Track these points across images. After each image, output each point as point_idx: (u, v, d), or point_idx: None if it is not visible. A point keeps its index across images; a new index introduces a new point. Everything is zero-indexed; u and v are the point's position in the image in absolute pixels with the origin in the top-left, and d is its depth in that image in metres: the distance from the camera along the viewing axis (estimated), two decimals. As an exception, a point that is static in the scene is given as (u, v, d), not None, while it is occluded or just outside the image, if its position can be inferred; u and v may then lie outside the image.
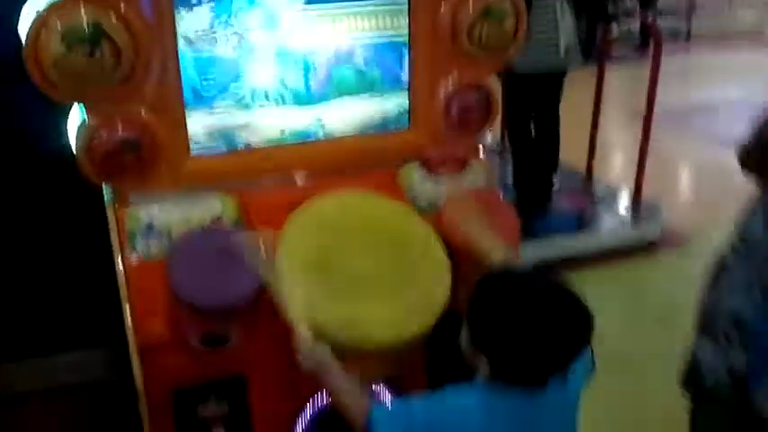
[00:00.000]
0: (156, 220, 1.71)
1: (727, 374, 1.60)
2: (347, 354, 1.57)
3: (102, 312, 2.43)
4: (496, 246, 1.59)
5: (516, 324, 1.16)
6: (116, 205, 1.73)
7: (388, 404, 1.36)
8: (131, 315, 1.64)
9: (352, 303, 1.60)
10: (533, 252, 3.24)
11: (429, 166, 1.96)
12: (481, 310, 1.22)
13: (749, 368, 1.57)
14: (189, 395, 1.71)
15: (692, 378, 1.69)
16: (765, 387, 1.55)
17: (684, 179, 5.21)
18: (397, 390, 1.96)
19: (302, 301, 1.53)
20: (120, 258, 1.70)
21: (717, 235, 1.71)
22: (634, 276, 3.56)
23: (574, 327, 1.17)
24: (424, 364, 1.94)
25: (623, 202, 4.09)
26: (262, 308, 1.65)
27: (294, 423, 1.88)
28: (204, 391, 1.72)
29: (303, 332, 1.45)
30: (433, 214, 1.86)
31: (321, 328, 1.53)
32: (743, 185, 1.64)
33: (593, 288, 1.20)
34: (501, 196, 2.07)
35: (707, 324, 1.66)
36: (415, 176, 1.95)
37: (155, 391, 1.69)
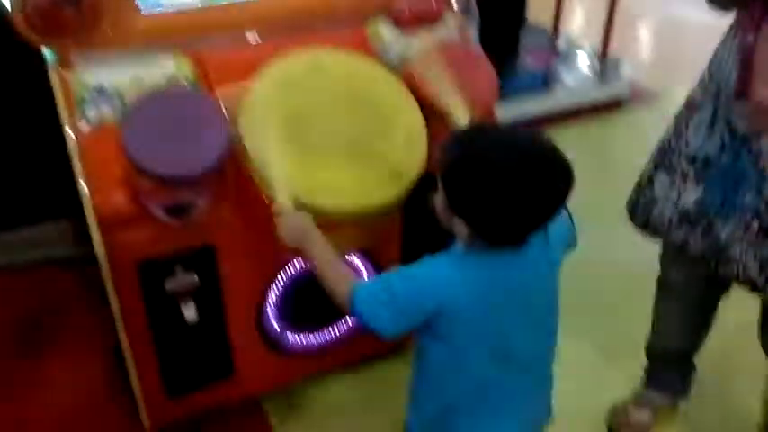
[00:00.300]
0: (105, 82, 1.56)
1: (676, 211, 1.62)
2: (318, 224, 1.52)
3: (57, 184, 2.32)
4: (461, 105, 1.50)
5: (496, 181, 1.08)
6: (59, 68, 1.57)
7: (366, 279, 1.29)
8: (87, 187, 1.53)
9: (323, 170, 1.51)
10: (500, 112, 3.15)
11: (399, 20, 1.83)
12: (456, 170, 1.13)
13: (705, 206, 1.57)
14: (155, 268, 1.64)
15: (640, 208, 1.71)
16: (729, 222, 1.55)
17: (653, 36, 5.09)
18: (372, 261, 1.93)
19: (275, 167, 1.44)
20: (69, 127, 1.57)
21: (686, 92, 1.65)
22: (603, 134, 3.53)
23: (554, 180, 1.10)
24: (399, 233, 1.90)
25: (591, 60, 3.98)
26: (228, 173, 1.56)
27: (266, 294, 1.84)
28: (171, 264, 1.65)
29: (282, 200, 1.36)
30: (404, 71, 1.74)
31: (297, 196, 1.46)
32: (714, 42, 1.58)
33: (561, 146, 1.14)
34: (479, 51, 1.95)
35: (664, 159, 1.65)
36: (384, 32, 1.82)
37: (119, 266, 1.61)
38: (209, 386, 1.90)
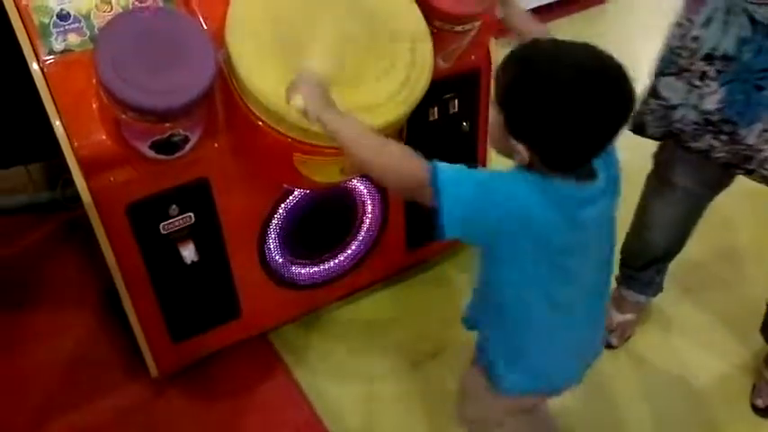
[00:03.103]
0: (67, 4, 1.39)
1: (699, 115, 1.51)
2: (320, 146, 1.40)
3: (25, 126, 2.15)
4: None
5: (560, 99, 0.99)
6: (14, -6, 1.39)
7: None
8: (64, 128, 1.38)
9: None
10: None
11: None
12: (517, 89, 1.03)
13: (728, 108, 1.47)
14: (146, 209, 1.52)
15: (654, 119, 1.60)
16: (756, 124, 1.45)
17: None
18: (374, 183, 1.82)
19: (271, 89, 1.31)
20: (33, 61, 1.40)
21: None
22: (589, 29, 3.40)
23: (619, 98, 1.02)
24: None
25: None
26: (217, 99, 1.41)
27: (267, 227, 1.73)
28: (163, 203, 1.53)
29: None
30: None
31: (295, 117, 1.33)
32: None
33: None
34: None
35: (671, 65, 1.53)
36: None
37: (107, 211, 1.48)
38: (216, 327, 1.81)
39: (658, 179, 1.77)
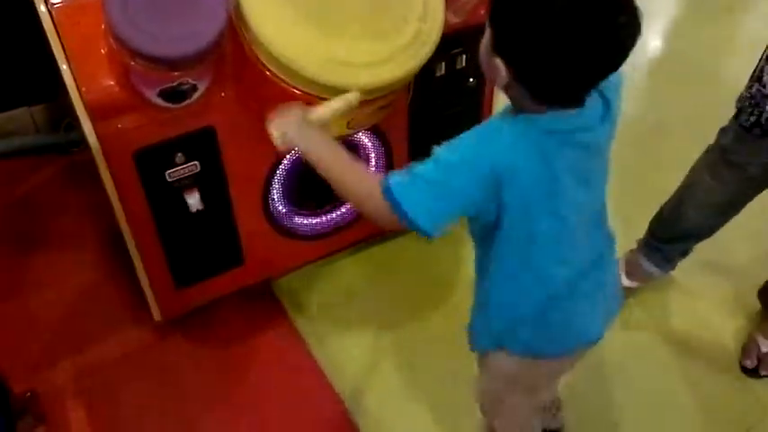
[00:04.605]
0: (77, -54, 1.37)
1: None
2: (332, 96, 1.40)
3: (29, 67, 2.14)
4: None
5: (554, 19, 0.91)
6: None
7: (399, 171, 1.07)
8: (71, 72, 1.37)
9: (336, 40, 1.36)
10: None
11: None
12: (509, 4, 0.96)
13: None
14: (153, 156, 1.52)
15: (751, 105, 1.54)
16: None
17: None
18: (381, 138, 1.82)
19: (281, 40, 1.30)
20: (43, 6, 1.39)
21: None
22: None
23: (620, 25, 0.93)
24: (406, 107, 1.79)
25: None
26: (226, 48, 1.40)
27: (271, 177, 1.74)
28: (170, 150, 1.53)
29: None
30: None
31: (303, 70, 1.34)
32: None
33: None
34: None
35: None
36: None
37: (114, 157, 1.48)
38: (219, 275, 1.83)
39: (718, 157, 1.68)
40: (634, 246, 1.98)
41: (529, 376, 1.30)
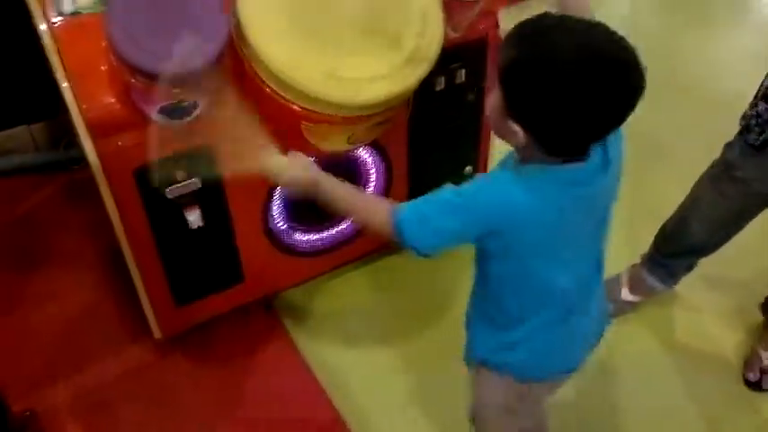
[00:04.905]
0: (77, -34, 1.38)
1: None
2: (331, 112, 1.40)
3: (29, 85, 2.15)
4: None
5: (565, 81, 0.94)
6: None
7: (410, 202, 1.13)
8: (72, 90, 1.38)
9: (334, 58, 1.37)
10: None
11: None
12: (520, 68, 0.98)
13: None
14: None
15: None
16: None
17: None
18: (381, 154, 1.82)
19: (281, 57, 1.30)
20: (41, 21, 1.40)
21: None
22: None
23: (627, 84, 0.96)
24: (406, 122, 1.79)
25: None
26: (227, 66, 1.41)
27: (271, 194, 1.74)
28: (169, 167, 1.53)
29: (270, 157, 1.25)
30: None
31: (302, 86, 1.35)
32: None
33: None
34: None
35: None
36: None
37: (114, 174, 1.48)
38: (219, 292, 1.82)
39: (722, 172, 1.69)
40: (635, 260, 1.98)
41: (512, 397, 1.33)
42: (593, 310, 1.28)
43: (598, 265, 1.25)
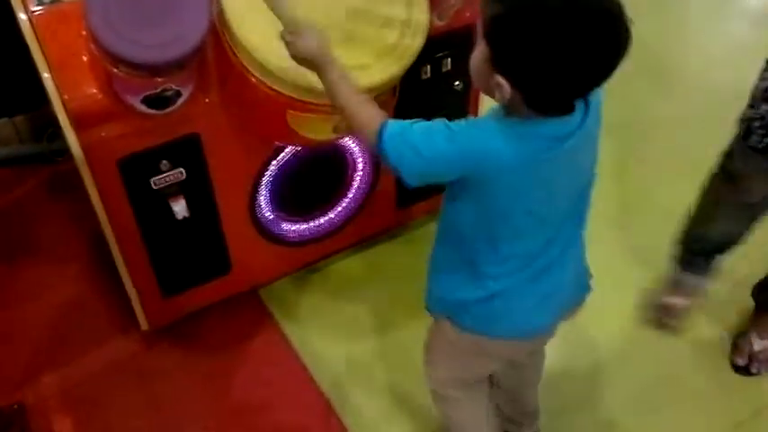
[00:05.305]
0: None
1: None
2: (315, 105, 1.40)
3: (9, 77, 2.12)
4: None
5: (551, 32, 0.94)
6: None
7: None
8: (54, 81, 1.36)
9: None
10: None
11: None
12: (506, 20, 0.97)
13: None
14: (138, 164, 1.51)
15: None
16: None
17: None
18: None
19: (265, 45, 1.29)
20: (20, 11, 1.38)
21: None
22: None
23: (614, 37, 0.96)
24: (393, 113, 1.78)
25: None
26: (209, 54, 1.40)
27: (258, 184, 1.73)
28: (154, 158, 1.52)
29: (291, 16, 1.21)
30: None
31: (286, 75, 1.34)
32: None
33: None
34: None
35: None
36: None
37: (98, 165, 1.47)
38: (206, 282, 1.82)
39: (732, 185, 1.68)
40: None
41: (467, 352, 1.34)
42: (569, 272, 1.26)
43: (578, 226, 1.24)
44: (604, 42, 0.96)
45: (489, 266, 1.19)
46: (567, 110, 1.05)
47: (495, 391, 1.59)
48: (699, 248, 1.89)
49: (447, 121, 1.08)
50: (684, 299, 1.94)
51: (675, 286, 1.95)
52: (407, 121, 1.11)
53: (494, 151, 1.04)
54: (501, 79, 1.00)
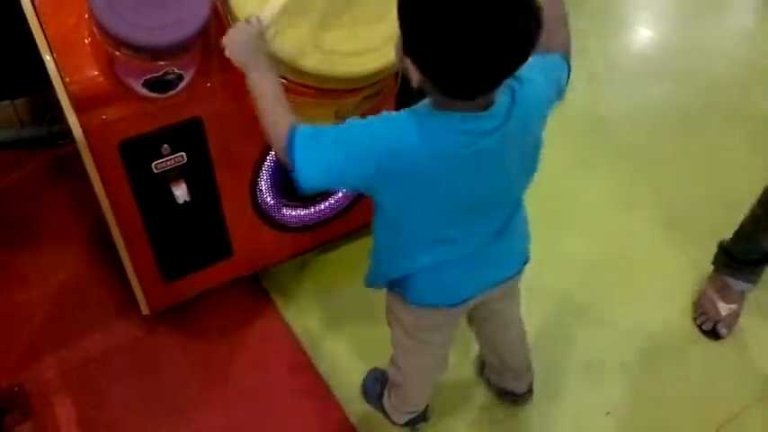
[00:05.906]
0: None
1: None
2: (318, 89, 1.39)
3: (11, 59, 2.12)
4: None
5: (448, 12, 0.93)
6: None
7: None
8: (55, 63, 1.36)
9: (324, 29, 1.36)
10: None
11: None
12: (410, 4, 0.98)
13: None
14: (139, 147, 1.50)
15: None
16: None
17: None
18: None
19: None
20: (24, -6, 1.38)
21: None
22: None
23: (515, 19, 0.94)
24: (395, 99, 1.78)
25: None
26: (212, 37, 1.39)
27: (260, 169, 1.73)
28: (156, 141, 1.52)
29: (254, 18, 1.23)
30: None
31: (290, 59, 1.34)
32: None
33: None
34: None
35: None
36: None
37: (99, 148, 1.46)
38: (207, 267, 1.82)
39: None
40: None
41: (409, 320, 1.40)
42: (500, 250, 1.29)
43: (512, 212, 1.26)
44: (503, 31, 0.94)
45: (417, 251, 1.22)
46: (474, 96, 1.03)
47: (483, 349, 1.70)
48: (748, 258, 1.90)
49: (361, 119, 1.09)
50: (731, 305, 1.96)
51: (722, 293, 1.96)
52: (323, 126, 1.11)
53: (406, 146, 1.05)
54: (409, 62, 1.02)
